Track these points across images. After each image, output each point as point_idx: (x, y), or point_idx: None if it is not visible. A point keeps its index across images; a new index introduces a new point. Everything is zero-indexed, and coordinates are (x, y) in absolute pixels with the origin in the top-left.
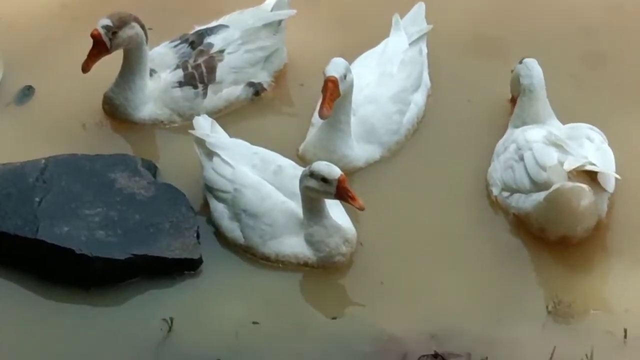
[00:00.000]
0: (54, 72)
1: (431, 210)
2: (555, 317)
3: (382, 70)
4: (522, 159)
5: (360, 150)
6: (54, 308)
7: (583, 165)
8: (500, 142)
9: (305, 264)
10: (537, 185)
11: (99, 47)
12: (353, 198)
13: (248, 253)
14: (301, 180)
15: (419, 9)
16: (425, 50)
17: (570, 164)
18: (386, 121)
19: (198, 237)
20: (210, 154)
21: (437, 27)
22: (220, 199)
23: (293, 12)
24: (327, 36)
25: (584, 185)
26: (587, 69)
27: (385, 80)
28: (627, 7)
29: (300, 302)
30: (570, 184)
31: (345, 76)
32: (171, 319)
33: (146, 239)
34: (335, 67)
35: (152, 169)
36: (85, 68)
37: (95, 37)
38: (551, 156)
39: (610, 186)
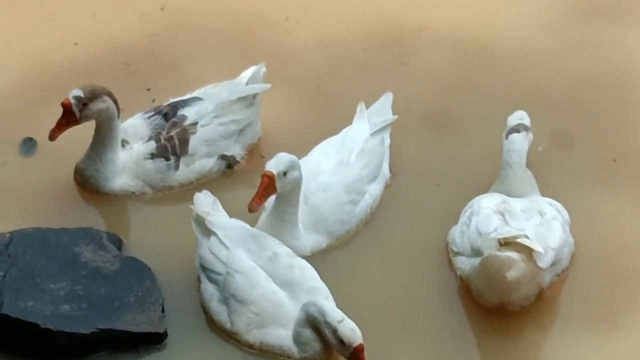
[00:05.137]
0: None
1: (389, 292)
2: None
3: (340, 159)
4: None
5: (306, 239)
6: None
7: (514, 237)
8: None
9: (288, 357)
10: (474, 251)
11: (68, 117)
12: None
13: (232, 339)
14: (320, 322)
15: (386, 99)
16: (387, 141)
17: (498, 233)
18: (336, 211)
19: (163, 310)
20: (208, 232)
21: (401, 112)
22: (212, 280)
23: (268, 86)
24: (303, 110)
25: (515, 256)
26: (551, 147)
27: (342, 169)
28: (592, 83)
29: None
30: (501, 253)
31: (285, 173)
32: None
33: (111, 313)
34: (276, 163)
35: (117, 242)
36: (52, 137)
37: (65, 107)
38: (490, 224)
39: (544, 262)
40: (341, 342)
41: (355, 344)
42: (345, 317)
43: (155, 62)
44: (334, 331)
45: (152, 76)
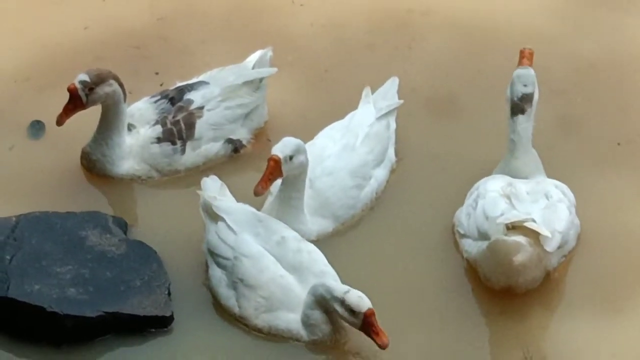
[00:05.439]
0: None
1: (396, 276)
2: None
3: (345, 143)
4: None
5: (312, 224)
6: None
7: (521, 221)
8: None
9: (297, 340)
10: (481, 235)
11: (75, 102)
12: (377, 334)
13: (241, 323)
14: (328, 299)
15: (392, 84)
16: (393, 126)
17: (505, 218)
18: (342, 195)
19: (169, 294)
20: (216, 217)
21: (407, 97)
22: (220, 265)
23: (274, 70)
24: (309, 94)
25: (522, 240)
26: (558, 131)
27: (347, 153)
28: (598, 68)
29: None
30: (509, 237)
31: (291, 157)
32: None
33: (117, 297)
34: (282, 147)
35: (123, 226)
36: (60, 121)
37: (72, 92)
38: (497, 208)
39: (551, 246)
40: (351, 311)
41: (364, 309)
42: (351, 288)
43: (164, 46)
44: (342, 302)
45: (161, 60)
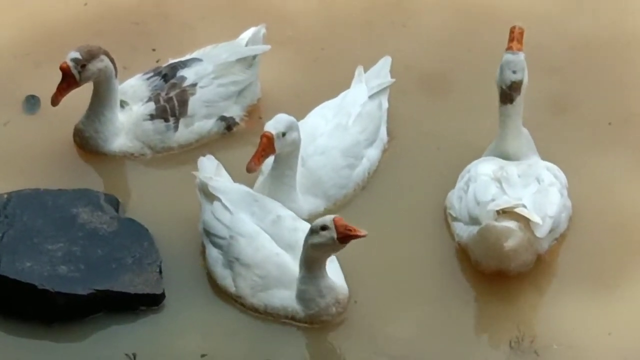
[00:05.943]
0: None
1: (388, 256)
2: (519, 352)
3: (337, 122)
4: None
5: (304, 202)
6: (15, 343)
7: (512, 207)
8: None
9: (293, 318)
10: (472, 219)
11: (68, 80)
12: (353, 230)
13: (237, 302)
14: (306, 239)
15: (385, 63)
16: (385, 105)
17: (496, 204)
18: (334, 175)
19: (161, 272)
20: (211, 197)
21: (401, 75)
22: (216, 245)
23: (267, 47)
24: (303, 72)
25: (512, 225)
26: (550, 110)
27: (339, 132)
28: (593, 46)
29: (263, 339)
30: (499, 223)
31: (284, 134)
32: (134, 355)
33: (109, 274)
34: (275, 124)
35: (115, 203)
36: (55, 101)
37: (64, 70)
38: (488, 192)
39: (541, 232)
40: (324, 228)
41: (331, 218)
42: None
43: (163, 22)
44: (312, 230)
45: (159, 37)
